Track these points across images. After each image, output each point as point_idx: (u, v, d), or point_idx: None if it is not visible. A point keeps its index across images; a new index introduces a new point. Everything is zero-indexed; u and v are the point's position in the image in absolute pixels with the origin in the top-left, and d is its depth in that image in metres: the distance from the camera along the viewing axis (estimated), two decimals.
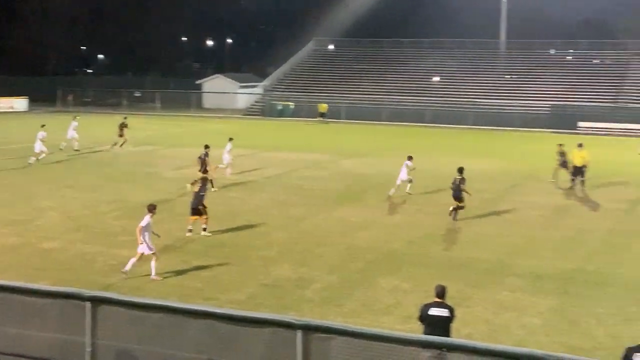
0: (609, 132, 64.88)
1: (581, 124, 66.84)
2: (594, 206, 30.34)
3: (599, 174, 35.38)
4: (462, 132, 63.79)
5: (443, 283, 13.27)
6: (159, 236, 19.61)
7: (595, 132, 64.64)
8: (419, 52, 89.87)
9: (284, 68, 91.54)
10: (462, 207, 26.30)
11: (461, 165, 27.11)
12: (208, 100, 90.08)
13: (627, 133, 64.55)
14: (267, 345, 9.44)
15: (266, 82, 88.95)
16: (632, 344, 11.15)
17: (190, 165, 39.02)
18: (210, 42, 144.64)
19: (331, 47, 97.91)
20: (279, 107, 78.76)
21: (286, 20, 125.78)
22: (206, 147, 31.75)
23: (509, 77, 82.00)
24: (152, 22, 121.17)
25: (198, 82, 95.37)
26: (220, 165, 34.87)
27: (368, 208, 28.82)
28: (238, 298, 17.57)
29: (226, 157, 35.35)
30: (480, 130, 64.79)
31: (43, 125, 40.07)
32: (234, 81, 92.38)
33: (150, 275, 18.80)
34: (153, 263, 18.85)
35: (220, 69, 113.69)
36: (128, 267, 18.88)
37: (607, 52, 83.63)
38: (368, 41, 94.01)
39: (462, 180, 26.36)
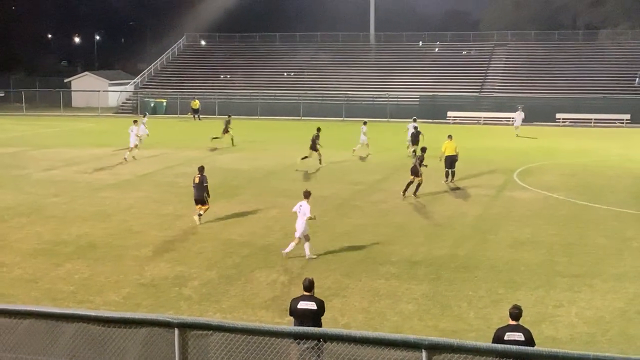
0: (475, 121, 67.35)
1: (450, 113, 69.16)
2: (464, 193, 31.37)
3: (468, 162, 36.58)
4: (335, 125, 64.56)
5: (320, 274, 13.49)
6: (314, 218, 20.65)
7: (463, 122, 67.07)
8: (291, 45, 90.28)
9: (156, 65, 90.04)
10: (420, 183, 29.71)
11: (423, 146, 31.74)
12: (77, 99, 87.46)
13: (491, 122, 67.02)
14: (143, 345, 9.31)
15: (138, 79, 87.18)
16: (502, 324, 11.68)
17: (61, 166, 38.02)
18: (77, 39, 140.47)
19: (203, 42, 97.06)
20: (152, 105, 77.47)
21: (157, 15, 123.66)
22: (318, 129, 38.36)
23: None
24: (13, 18, 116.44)
25: (66, 80, 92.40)
26: (356, 147, 41.62)
27: (244, 203, 28.81)
28: (114, 299, 17.26)
29: (363, 138, 41.97)
30: (353, 122, 65.68)
31: (135, 121, 42.56)
32: (103, 79, 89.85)
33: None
34: (307, 244, 20.59)
35: (90, 67, 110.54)
36: (288, 249, 20.57)
37: (472, 43, 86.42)
38: (239, 36, 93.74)
39: (422, 156, 30.06)
